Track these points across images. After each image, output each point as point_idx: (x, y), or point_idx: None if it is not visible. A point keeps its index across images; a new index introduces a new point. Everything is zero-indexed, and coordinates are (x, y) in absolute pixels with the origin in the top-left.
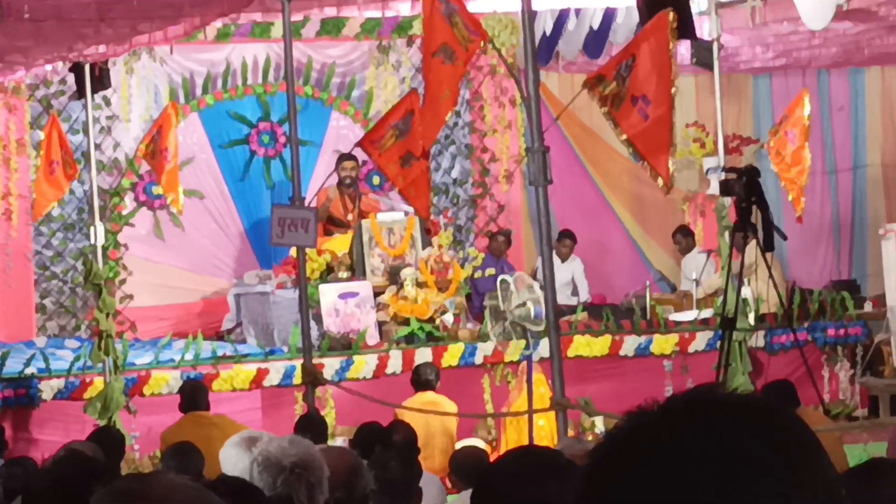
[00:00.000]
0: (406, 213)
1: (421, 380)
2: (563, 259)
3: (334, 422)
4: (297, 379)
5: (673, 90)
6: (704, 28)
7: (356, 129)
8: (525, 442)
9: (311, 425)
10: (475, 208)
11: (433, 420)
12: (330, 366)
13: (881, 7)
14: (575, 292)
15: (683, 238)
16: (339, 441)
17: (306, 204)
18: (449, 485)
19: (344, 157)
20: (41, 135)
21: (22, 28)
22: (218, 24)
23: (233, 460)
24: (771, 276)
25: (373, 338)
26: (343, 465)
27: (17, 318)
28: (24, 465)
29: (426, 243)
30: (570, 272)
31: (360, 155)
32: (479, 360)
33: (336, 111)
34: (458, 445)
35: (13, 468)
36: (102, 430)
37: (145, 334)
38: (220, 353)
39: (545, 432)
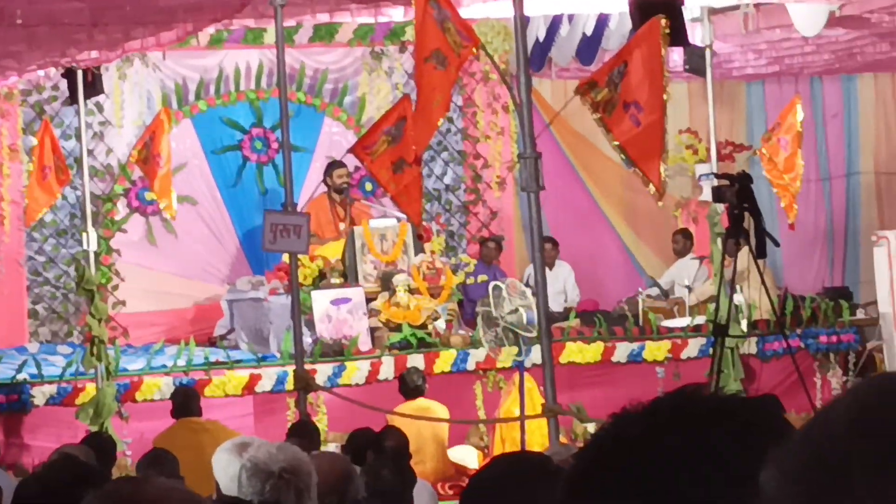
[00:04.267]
0: (398, 220)
1: (409, 387)
2: (550, 266)
3: (326, 428)
4: (290, 385)
5: (665, 97)
6: (697, 35)
7: (349, 135)
8: (517, 448)
9: (304, 431)
10: (467, 214)
11: (425, 426)
12: (322, 372)
13: (873, 14)
14: (566, 298)
15: (683, 239)
16: (332, 447)
17: (298, 210)
18: (440, 491)
19: (334, 166)
20: (34, 140)
21: (14, 33)
22: (211, 30)
23: (224, 465)
24: (763, 282)
25: (365, 344)
26: (334, 472)
27: (10, 323)
28: None
29: (418, 249)
30: (559, 279)
31: (351, 161)
32: (471, 366)
33: (329, 117)
34: (450, 452)
35: None
36: (94, 436)
37: (137, 340)
38: (212, 359)
39: (537, 439)
